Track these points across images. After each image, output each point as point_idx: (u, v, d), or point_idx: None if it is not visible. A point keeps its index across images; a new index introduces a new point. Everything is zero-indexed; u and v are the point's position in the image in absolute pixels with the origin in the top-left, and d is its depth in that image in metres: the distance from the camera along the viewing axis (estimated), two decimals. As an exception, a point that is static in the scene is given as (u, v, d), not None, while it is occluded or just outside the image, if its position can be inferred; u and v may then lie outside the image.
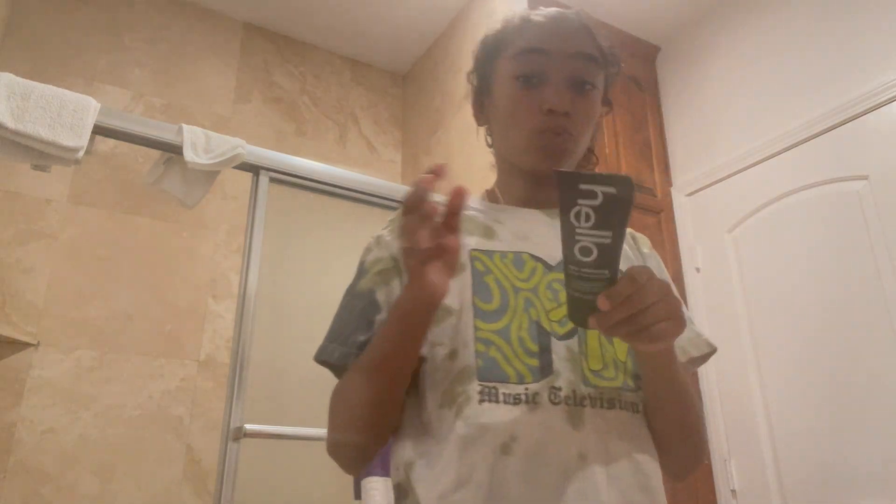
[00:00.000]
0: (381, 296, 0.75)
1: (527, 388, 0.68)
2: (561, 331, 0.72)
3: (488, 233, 0.79)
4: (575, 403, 0.68)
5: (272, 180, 1.73)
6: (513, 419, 0.66)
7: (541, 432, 0.66)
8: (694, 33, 2.66)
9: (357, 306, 0.76)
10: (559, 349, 0.70)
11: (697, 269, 2.43)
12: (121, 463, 2.07)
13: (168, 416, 2.19)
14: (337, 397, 0.73)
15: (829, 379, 1.92)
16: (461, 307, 0.72)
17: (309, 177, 1.77)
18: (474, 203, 0.85)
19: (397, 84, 3.20)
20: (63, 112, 1.47)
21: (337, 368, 0.75)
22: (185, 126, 1.66)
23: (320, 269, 1.84)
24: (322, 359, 0.75)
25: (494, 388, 0.68)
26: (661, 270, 0.86)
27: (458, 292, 0.72)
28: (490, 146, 0.91)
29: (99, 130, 1.53)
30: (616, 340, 0.74)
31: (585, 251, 0.53)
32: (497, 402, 0.67)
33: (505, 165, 0.88)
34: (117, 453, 2.08)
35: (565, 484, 0.64)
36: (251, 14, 2.81)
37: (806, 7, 2.23)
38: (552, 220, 0.80)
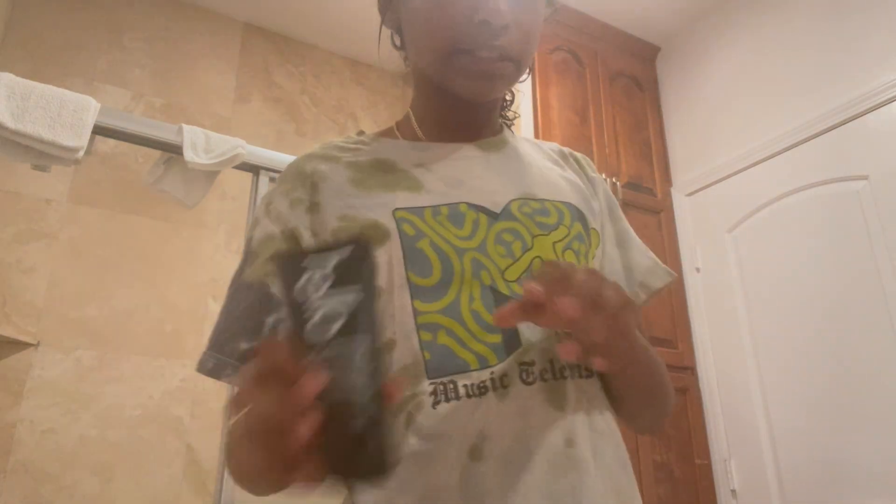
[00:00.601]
0: (276, 289, 0.58)
1: (492, 373, 0.55)
2: (522, 290, 0.58)
3: (412, 183, 0.62)
4: (554, 377, 0.56)
5: (272, 180, 1.73)
6: (480, 415, 0.53)
7: (517, 422, 0.54)
8: (694, 33, 2.66)
9: (242, 301, 0.59)
10: None
11: (697, 269, 2.43)
12: (121, 463, 2.07)
13: (168, 416, 2.19)
14: (227, 448, 0.54)
15: (829, 378, 1.92)
16: (391, 286, 0.56)
17: (309, 177, 1.77)
18: (383, 143, 0.67)
19: (397, 84, 3.20)
20: (63, 112, 1.47)
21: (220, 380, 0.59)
22: (185, 126, 1.66)
23: (320, 269, 1.84)
24: (198, 370, 0.61)
25: (452, 382, 0.54)
26: (608, 197, 0.74)
27: (385, 267, 0.57)
28: (403, 55, 0.71)
29: (99, 130, 1.53)
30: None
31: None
32: (457, 398, 0.54)
33: (424, 83, 0.69)
34: (117, 453, 2.08)
35: (553, 479, 0.52)
36: (251, 14, 2.81)
37: (806, 7, 2.23)
38: (487, 155, 0.67)
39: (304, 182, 0.64)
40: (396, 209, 0.59)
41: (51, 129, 1.44)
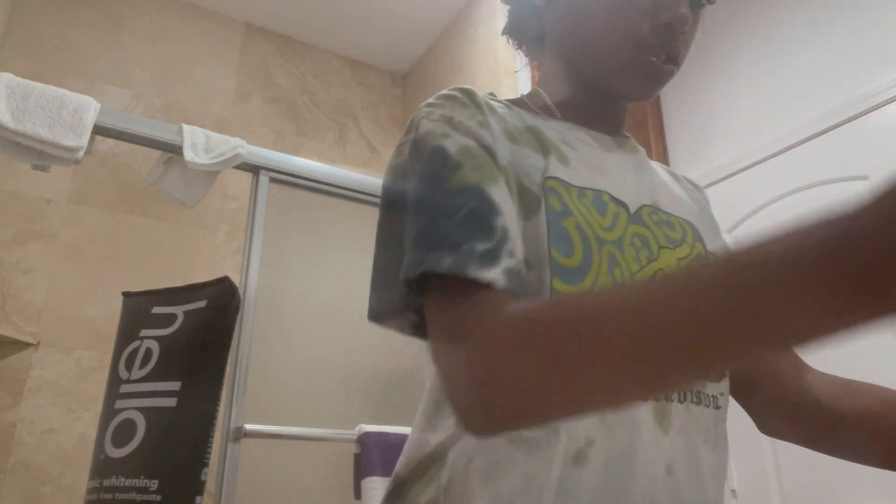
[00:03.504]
0: (494, 194, 0.52)
1: None
2: None
3: (561, 155, 0.59)
4: (665, 397, 0.54)
5: (272, 180, 1.73)
6: (592, 419, 0.51)
7: (627, 437, 0.51)
8: (694, 33, 2.66)
9: (462, 206, 0.51)
10: None
11: (697, 269, 2.43)
12: (121, 463, 2.07)
13: (168, 416, 2.19)
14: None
15: (829, 379, 1.92)
16: (538, 260, 0.53)
17: (309, 177, 1.77)
18: (521, 111, 0.63)
19: (397, 84, 3.20)
20: (63, 112, 1.47)
21: (439, 281, 0.49)
22: (185, 126, 1.66)
23: (320, 269, 1.84)
24: (422, 270, 0.48)
25: None
26: (713, 217, 0.75)
27: (532, 239, 0.53)
28: (537, 43, 0.70)
29: (99, 130, 1.53)
30: None
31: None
32: None
33: (568, 71, 0.67)
34: (117, 453, 2.08)
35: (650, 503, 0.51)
36: (251, 14, 2.81)
37: (806, 7, 2.23)
38: (624, 153, 0.66)
39: (481, 109, 0.58)
40: (549, 177, 0.56)
41: (51, 129, 1.44)
